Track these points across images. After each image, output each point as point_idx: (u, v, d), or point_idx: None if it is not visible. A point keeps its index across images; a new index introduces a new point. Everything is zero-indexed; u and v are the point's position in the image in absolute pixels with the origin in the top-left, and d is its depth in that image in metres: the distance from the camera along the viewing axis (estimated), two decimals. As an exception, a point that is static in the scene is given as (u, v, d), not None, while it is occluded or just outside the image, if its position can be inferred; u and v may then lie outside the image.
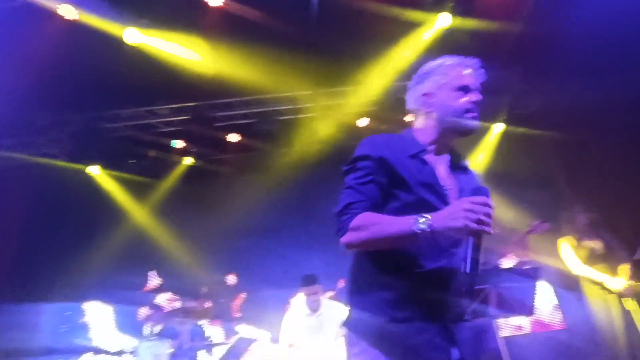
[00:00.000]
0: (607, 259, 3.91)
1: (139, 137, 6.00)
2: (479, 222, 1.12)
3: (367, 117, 5.99)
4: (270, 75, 5.05)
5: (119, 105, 5.69)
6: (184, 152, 6.20)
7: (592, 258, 3.94)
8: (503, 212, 5.54)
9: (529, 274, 3.22)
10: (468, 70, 1.42)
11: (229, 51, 4.72)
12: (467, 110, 1.40)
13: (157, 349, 4.20)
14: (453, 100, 1.40)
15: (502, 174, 5.70)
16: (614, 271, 3.86)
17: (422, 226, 1.17)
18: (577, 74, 5.34)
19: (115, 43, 4.63)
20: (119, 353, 4.21)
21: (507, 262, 3.71)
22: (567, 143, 5.53)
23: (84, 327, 5.69)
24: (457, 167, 1.47)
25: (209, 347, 4.51)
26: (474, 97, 1.41)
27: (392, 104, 5.68)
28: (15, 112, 5.13)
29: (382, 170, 1.34)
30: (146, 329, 4.54)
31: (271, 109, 5.90)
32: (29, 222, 5.80)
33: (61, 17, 4.41)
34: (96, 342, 5.25)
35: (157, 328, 4.92)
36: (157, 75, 4.85)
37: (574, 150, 5.51)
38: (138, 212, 6.14)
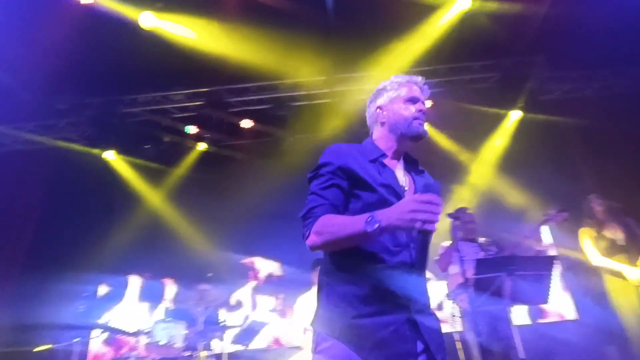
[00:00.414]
0: (629, 249, 3.83)
1: (154, 122, 6.04)
2: (424, 221, 1.20)
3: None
4: (285, 60, 5.01)
5: (135, 90, 5.73)
6: (198, 138, 6.22)
7: (613, 248, 3.87)
8: (520, 200, 5.46)
9: (545, 263, 3.18)
10: (415, 86, 1.62)
11: (243, 36, 4.69)
12: (415, 118, 1.57)
13: (172, 331, 4.29)
14: (403, 110, 1.59)
15: (520, 162, 5.60)
16: (634, 262, 3.78)
17: (371, 225, 1.26)
18: (603, 61, 5.17)
19: (131, 27, 4.65)
20: (136, 333, 4.30)
21: (522, 251, 3.67)
22: (589, 131, 5.38)
23: (102, 308, 5.85)
24: (413, 169, 1.63)
25: (222, 329, 4.59)
26: (420, 107, 1.61)
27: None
28: (35, 96, 5.21)
29: (343, 175, 1.47)
30: (161, 311, 4.64)
31: (286, 94, 5.87)
32: (48, 204, 5.93)
33: (78, 1, 4.44)
34: (114, 323, 5.40)
35: (172, 310, 5.03)
36: (172, 60, 4.86)
37: (597, 138, 5.36)
38: (153, 197, 6.22)
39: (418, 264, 1.45)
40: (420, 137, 1.56)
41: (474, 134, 6.02)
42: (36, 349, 4.30)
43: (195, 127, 6.06)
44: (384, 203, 1.39)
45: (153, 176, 6.27)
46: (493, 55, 5.59)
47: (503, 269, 3.09)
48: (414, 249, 1.44)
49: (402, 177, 1.56)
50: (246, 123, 6.06)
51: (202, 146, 6.30)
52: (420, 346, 1.38)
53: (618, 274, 3.77)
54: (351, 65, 5.50)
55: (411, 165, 1.64)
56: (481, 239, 3.91)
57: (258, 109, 5.98)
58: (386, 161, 1.55)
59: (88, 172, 5.90)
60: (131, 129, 5.86)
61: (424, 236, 1.29)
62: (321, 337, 1.40)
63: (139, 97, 5.86)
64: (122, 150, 6.11)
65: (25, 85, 5.08)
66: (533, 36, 4.81)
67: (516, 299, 3.17)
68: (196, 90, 5.82)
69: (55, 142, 6.01)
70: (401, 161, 1.62)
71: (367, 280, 1.39)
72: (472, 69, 5.80)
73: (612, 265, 3.81)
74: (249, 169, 6.01)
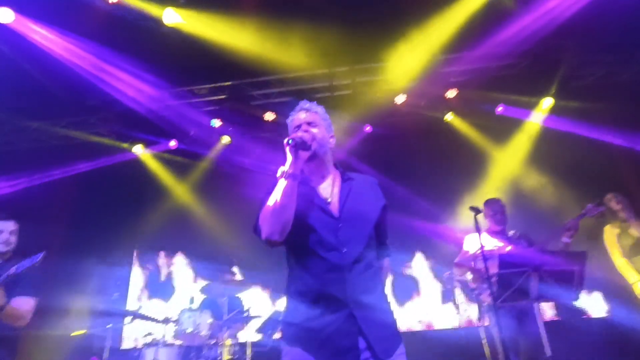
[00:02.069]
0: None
1: (179, 116, 6.17)
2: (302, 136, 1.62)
3: (405, 93, 5.80)
4: (306, 51, 4.98)
5: (160, 85, 5.86)
6: (222, 131, 6.32)
7: (638, 246, 3.74)
8: (552, 192, 5.26)
9: (576, 258, 3.06)
10: (301, 113, 1.80)
11: (263, 29, 4.69)
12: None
13: (197, 319, 4.42)
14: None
15: (552, 152, 5.39)
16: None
17: (282, 171, 1.56)
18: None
19: (155, 24, 4.73)
20: (165, 321, 4.46)
21: (553, 246, 3.55)
22: (625, 117, 5.09)
23: (134, 295, 6.11)
24: (343, 180, 1.77)
25: (247, 319, 4.70)
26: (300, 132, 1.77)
27: (431, 80, 5.45)
28: (67, 92, 5.43)
29: None
30: (188, 300, 4.79)
31: (308, 86, 5.86)
32: (82, 196, 6.19)
33: (106, 1, 4.54)
34: (144, 310, 5.63)
35: (199, 299, 5.17)
36: (195, 55, 4.92)
37: (633, 125, 5.07)
38: (179, 190, 6.40)
39: (359, 261, 1.58)
40: (298, 146, 1.61)
41: (501, 124, 5.83)
42: (73, 334, 4.54)
43: (219, 120, 6.16)
44: (304, 216, 1.60)
45: (179, 169, 6.44)
46: (522, 41, 5.35)
47: (529, 264, 3.01)
48: (352, 247, 1.58)
49: (328, 191, 1.71)
50: (269, 116, 6.10)
51: (226, 139, 6.41)
52: (362, 343, 1.49)
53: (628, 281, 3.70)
54: (373, 55, 5.41)
55: (342, 177, 1.77)
56: (510, 232, 3.80)
57: (280, 102, 5.99)
58: (312, 184, 1.73)
59: (118, 165, 6.12)
60: (157, 124, 6.01)
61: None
62: (283, 344, 1.59)
63: (165, 93, 5.99)
64: (150, 143, 6.29)
65: (59, 82, 5.29)
66: (564, 19, 4.56)
67: (543, 296, 3.08)
68: (219, 84, 5.89)
69: (88, 136, 6.24)
70: (328, 178, 1.76)
71: (311, 282, 1.57)
72: (499, 56, 5.58)
73: (626, 273, 3.72)
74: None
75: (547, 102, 5.71)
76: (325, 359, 1.48)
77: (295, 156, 1.59)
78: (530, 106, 5.79)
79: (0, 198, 5.47)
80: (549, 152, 5.45)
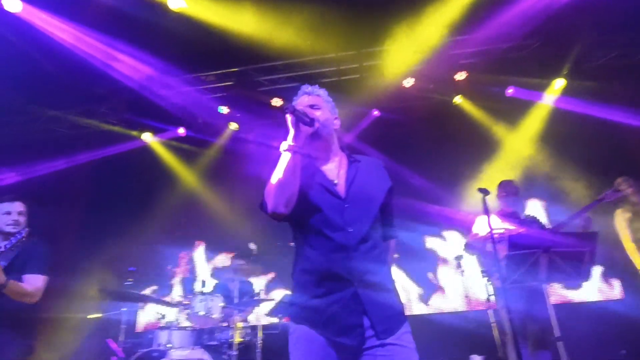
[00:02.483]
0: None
1: (187, 103, 6.19)
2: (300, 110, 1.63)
3: (413, 77, 5.73)
4: (312, 36, 4.93)
5: (168, 72, 5.87)
6: (229, 118, 6.33)
7: None
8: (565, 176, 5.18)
9: (587, 239, 3.04)
10: (304, 97, 1.80)
11: (269, 13, 4.64)
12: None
13: (209, 303, 4.50)
14: None
15: (564, 134, 5.30)
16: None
17: (284, 145, 1.59)
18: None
19: (161, 10, 4.71)
20: (177, 305, 4.55)
21: (567, 229, 3.53)
22: (638, 97, 4.97)
23: (148, 281, 6.23)
24: (350, 162, 1.78)
25: (257, 302, 4.77)
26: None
27: (440, 62, 5.37)
28: (76, 81, 5.47)
29: None
30: (199, 285, 4.87)
31: (314, 71, 5.82)
32: (95, 183, 6.29)
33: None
34: (158, 295, 5.74)
35: (210, 283, 5.26)
36: (201, 41, 4.90)
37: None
38: (189, 177, 6.46)
39: (365, 241, 1.60)
40: (299, 118, 1.64)
41: (512, 106, 5.74)
42: (89, 316, 4.67)
43: (227, 107, 6.16)
44: (310, 196, 1.63)
45: (188, 156, 6.49)
46: (533, 21, 5.22)
47: (539, 246, 2.99)
48: (358, 228, 1.61)
49: (334, 172, 1.73)
50: (276, 102, 6.09)
51: (233, 126, 6.42)
52: (367, 322, 1.52)
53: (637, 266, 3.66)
54: (381, 38, 5.33)
55: (349, 159, 1.80)
56: (524, 214, 3.79)
57: (287, 87, 5.97)
58: (318, 165, 1.75)
59: (128, 152, 6.20)
60: (165, 111, 6.04)
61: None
62: (290, 323, 1.63)
63: (172, 80, 6.01)
64: (158, 131, 6.35)
65: (69, 71, 5.33)
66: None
67: (553, 277, 3.07)
68: (226, 70, 5.87)
69: (98, 125, 6.31)
70: (334, 160, 1.78)
71: (318, 261, 1.59)
72: (510, 36, 5.46)
73: (635, 258, 3.71)
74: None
75: (559, 83, 5.59)
76: (331, 336, 1.52)
77: (297, 129, 1.62)
78: (542, 88, 5.68)
79: (17, 185, 5.57)
80: (560, 133, 5.37)
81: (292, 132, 1.62)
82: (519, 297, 3.31)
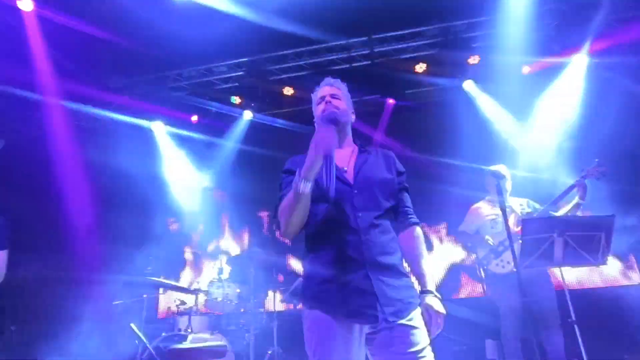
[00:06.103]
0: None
1: (200, 95, 6.25)
2: (324, 146, 1.53)
3: (424, 62, 5.65)
4: (322, 23, 4.89)
5: (179, 65, 5.92)
6: (242, 108, 6.36)
7: None
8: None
9: (603, 223, 3.00)
10: (325, 87, 1.93)
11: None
12: (323, 111, 1.86)
13: (226, 289, 4.62)
14: (317, 111, 1.93)
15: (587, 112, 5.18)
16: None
17: (297, 183, 1.55)
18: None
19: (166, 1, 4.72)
20: (195, 291, 4.67)
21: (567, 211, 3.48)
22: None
23: (166, 270, 6.39)
24: (361, 152, 1.87)
25: (273, 288, 4.86)
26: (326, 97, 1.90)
27: (452, 46, 5.29)
28: (90, 74, 5.57)
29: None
30: (216, 273, 4.98)
31: (325, 59, 5.79)
32: (111, 175, 6.41)
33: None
34: (176, 282, 5.89)
35: (227, 270, 5.37)
36: (210, 31, 4.91)
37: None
38: (201, 167, 6.57)
39: (375, 226, 1.65)
40: (329, 121, 1.76)
41: (526, 90, 5.61)
42: (114, 302, 4.83)
43: (239, 97, 6.19)
44: (317, 182, 1.62)
45: (201, 148, 6.56)
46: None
47: (554, 229, 2.97)
48: (367, 213, 1.66)
49: (345, 160, 1.80)
50: (288, 90, 6.09)
51: (247, 116, 6.41)
52: (378, 301, 1.55)
53: None
54: (391, 24, 5.26)
55: (359, 149, 1.89)
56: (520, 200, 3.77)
57: (298, 76, 5.96)
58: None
59: (142, 144, 6.31)
60: (178, 103, 6.11)
61: (329, 160, 1.55)
62: (304, 308, 1.66)
63: (184, 72, 6.06)
64: (171, 122, 6.44)
65: (83, 65, 5.42)
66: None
67: (568, 260, 3.04)
68: (237, 60, 5.89)
69: (109, 114, 6.38)
70: (347, 149, 1.87)
71: (329, 245, 1.64)
72: (524, 17, 5.30)
73: None
74: (293, 136, 6.08)
75: (577, 61, 5.41)
76: (343, 318, 1.55)
77: (318, 157, 1.54)
78: (558, 69, 5.53)
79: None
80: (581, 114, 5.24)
81: (311, 159, 1.53)
82: (519, 284, 3.27)
